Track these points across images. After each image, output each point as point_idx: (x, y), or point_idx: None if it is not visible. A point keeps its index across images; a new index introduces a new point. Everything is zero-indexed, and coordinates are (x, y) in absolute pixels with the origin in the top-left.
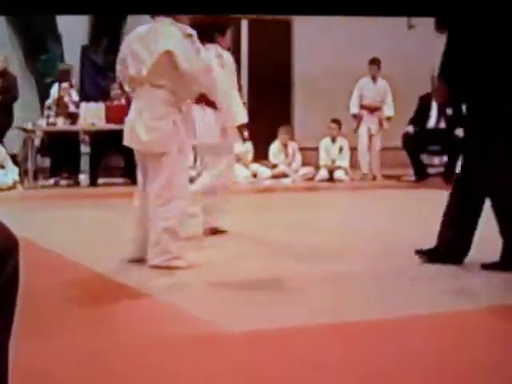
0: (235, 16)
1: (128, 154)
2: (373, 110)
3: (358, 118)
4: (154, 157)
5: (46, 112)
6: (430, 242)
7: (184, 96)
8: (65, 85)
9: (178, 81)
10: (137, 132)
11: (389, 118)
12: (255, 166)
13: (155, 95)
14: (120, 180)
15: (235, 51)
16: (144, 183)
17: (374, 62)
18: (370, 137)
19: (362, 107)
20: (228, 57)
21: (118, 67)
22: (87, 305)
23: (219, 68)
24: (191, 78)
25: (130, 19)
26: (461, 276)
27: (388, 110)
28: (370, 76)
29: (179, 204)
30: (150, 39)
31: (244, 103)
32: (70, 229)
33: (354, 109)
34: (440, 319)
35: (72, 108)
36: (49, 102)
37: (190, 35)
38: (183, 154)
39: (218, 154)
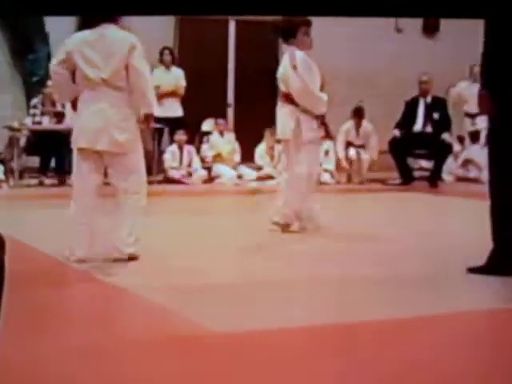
0: (222, 17)
1: None
2: (358, 146)
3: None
4: (124, 156)
5: (31, 111)
6: (419, 245)
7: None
8: (50, 83)
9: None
10: (111, 133)
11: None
12: (241, 168)
13: (116, 96)
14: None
15: (222, 52)
16: (94, 182)
17: (358, 112)
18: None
19: (348, 143)
20: (301, 57)
21: (59, 69)
22: (66, 303)
23: (291, 69)
24: (137, 75)
25: None
26: (461, 279)
27: (372, 153)
28: (354, 123)
29: (144, 197)
30: (104, 44)
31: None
32: (54, 227)
33: (340, 153)
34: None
35: (59, 106)
36: (34, 100)
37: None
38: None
39: (296, 149)
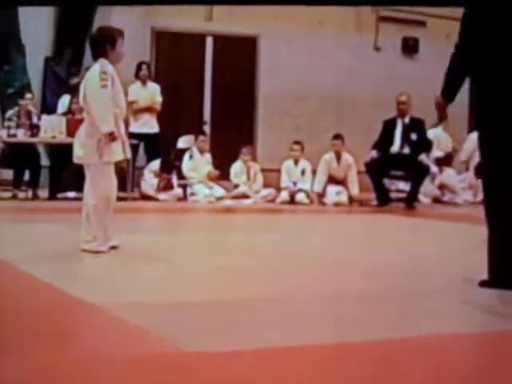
0: (200, 32)
1: None
2: (338, 182)
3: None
4: (87, 167)
5: (6, 123)
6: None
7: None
8: (28, 95)
9: None
10: (75, 148)
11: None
12: (211, 185)
13: (88, 119)
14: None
15: (199, 68)
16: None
17: (338, 137)
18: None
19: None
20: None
21: None
22: (38, 319)
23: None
24: (89, 103)
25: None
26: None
27: (352, 189)
28: (333, 152)
29: (97, 206)
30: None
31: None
32: (27, 242)
33: (319, 187)
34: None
35: (35, 119)
36: (10, 112)
37: (105, 72)
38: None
39: None
